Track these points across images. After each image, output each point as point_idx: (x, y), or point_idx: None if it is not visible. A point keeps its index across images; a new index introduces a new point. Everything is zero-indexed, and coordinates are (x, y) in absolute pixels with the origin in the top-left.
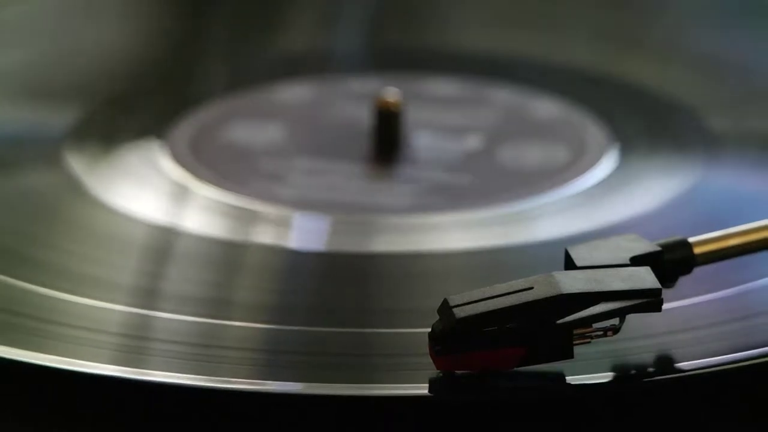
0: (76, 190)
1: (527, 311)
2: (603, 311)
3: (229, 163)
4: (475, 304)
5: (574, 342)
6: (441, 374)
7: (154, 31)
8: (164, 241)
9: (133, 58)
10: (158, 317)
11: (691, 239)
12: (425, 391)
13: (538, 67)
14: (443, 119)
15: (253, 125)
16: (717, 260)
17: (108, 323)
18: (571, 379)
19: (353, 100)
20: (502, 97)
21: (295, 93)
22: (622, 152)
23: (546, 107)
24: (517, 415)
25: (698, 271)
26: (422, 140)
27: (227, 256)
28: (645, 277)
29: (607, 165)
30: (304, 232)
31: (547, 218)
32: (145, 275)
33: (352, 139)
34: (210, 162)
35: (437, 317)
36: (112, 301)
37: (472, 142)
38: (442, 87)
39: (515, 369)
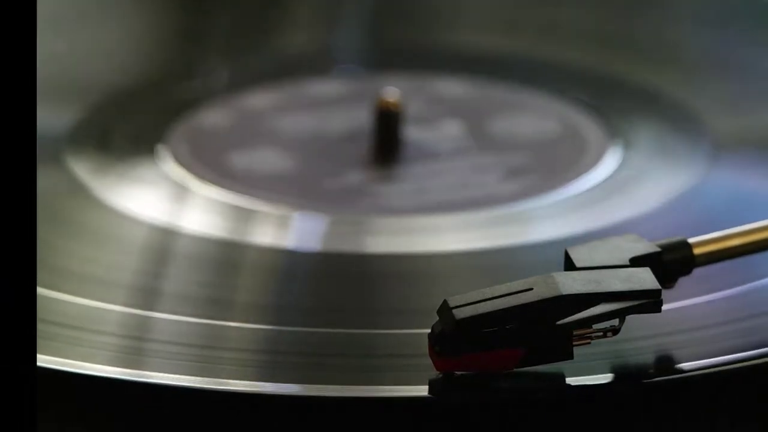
0: (76, 190)
1: (527, 312)
2: (603, 312)
3: (228, 162)
4: (474, 305)
5: (574, 343)
6: (441, 375)
7: (154, 30)
8: (163, 242)
9: (132, 58)
10: (157, 318)
11: (691, 240)
12: (425, 392)
13: (539, 67)
14: (443, 119)
15: (253, 125)
16: (717, 261)
17: (106, 324)
18: (571, 380)
19: (353, 99)
20: (503, 96)
21: (294, 92)
22: (623, 152)
23: (546, 107)
24: (516, 416)
25: (698, 271)
26: (422, 140)
27: (226, 257)
28: (645, 278)
29: (607, 165)
30: (303, 232)
31: (547, 219)
32: (144, 275)
33: (351, 138)
34: (209, 162)
35: (437, 318)
36: (110, 301)
37: (473, 142)
38: (443, 87)
39: (515, 370)
